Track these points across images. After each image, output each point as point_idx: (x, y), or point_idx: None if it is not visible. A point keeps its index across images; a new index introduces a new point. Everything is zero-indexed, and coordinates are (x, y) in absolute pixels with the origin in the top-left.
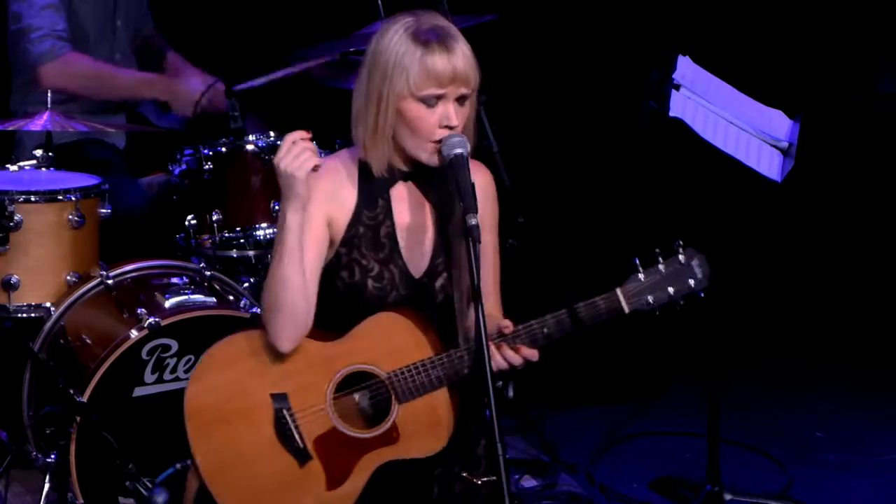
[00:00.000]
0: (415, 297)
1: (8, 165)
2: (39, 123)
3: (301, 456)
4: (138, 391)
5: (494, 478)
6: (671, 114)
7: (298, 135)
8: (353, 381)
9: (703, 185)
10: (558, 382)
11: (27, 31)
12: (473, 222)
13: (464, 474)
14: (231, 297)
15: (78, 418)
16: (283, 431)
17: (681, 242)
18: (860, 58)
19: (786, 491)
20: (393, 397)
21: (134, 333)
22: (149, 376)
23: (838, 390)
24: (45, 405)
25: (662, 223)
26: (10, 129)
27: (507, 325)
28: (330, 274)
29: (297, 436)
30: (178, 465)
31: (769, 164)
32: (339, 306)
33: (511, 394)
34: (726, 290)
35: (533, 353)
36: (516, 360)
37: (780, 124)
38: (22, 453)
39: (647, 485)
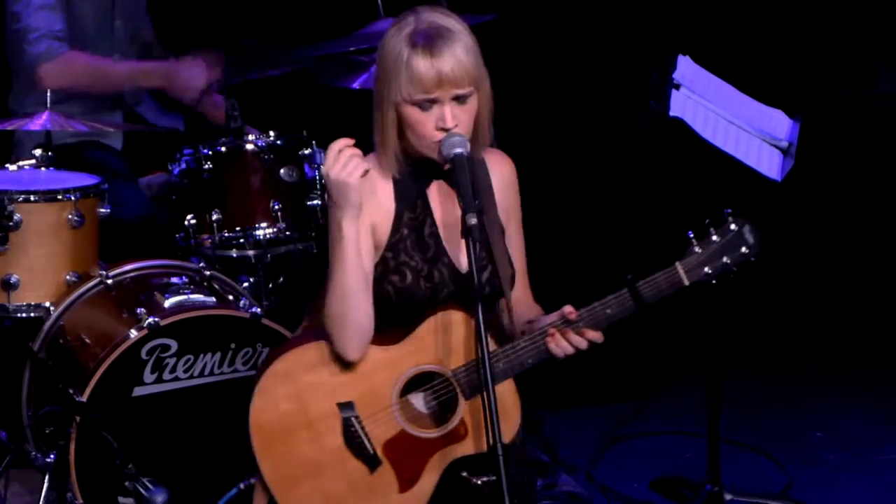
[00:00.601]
0: (465, 293)
1: (7, 165)
2: (39, 123)
3: (372, 462)
4: (138, 391)
5: (494, 478)
6: (671, 113)
7: (344, 142)
8: (416, 383)
9: (702, 184)
10: (558, 382)
11: (25, 31)
12: (473, 222)
13: (464, 474)
14: (231, 297)
15: (77, 418)
16: (353, 439)
17: (729, 211)
18: (860, 57)
19: (786, 491)
20: (459, 394)
21: (133, 333)
22: (148, 376)
23: (838, 390)
24: (44, 405)
25: (662, 223)
26: (10, 128)
27: (570, 310)
28: (379, 279)
29: (367, 442)
30: (241, 486)
31: (769, 164)
32: (391, 310)
33: None
34: (726, 290)
35: (598, 336)
36: (582, 343)
37: (780, 124)
38: (21, 453)
39: (647, 485)
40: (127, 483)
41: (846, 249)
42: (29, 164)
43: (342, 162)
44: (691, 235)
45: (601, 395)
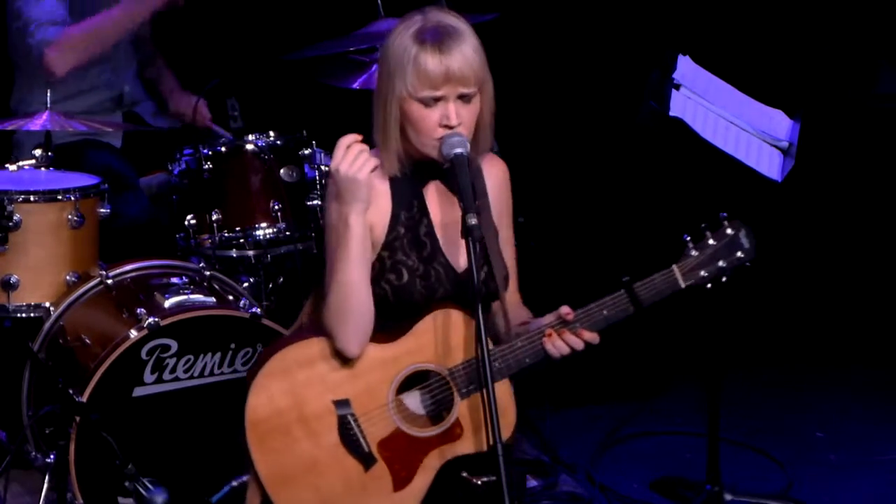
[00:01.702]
0: (460, 292)
1: (7, 165)
2: (39, 123)
3: (366, 460)
4: (138, 391)
5: (494, 478)
6: (671, 113)
7: (351, 138)
8: (412, 382)
9: (702, 184)
10: (558, 382)
11: (26, 25)
12: (473, 222)
13: (464, 474)
14: (230, 297)
15: (77, 418)
16: (348, 437)
17: (725, 215)
18: (860, 58)
19: (786, 491)
20: (455, 393)
21: (133, 333)
22: (148, 376)
23: (838, 390)
24: (44, 405)
25: (662, 225)
26: (10, 128)
27: (568, 311)
28: (375, 278)
29: (362, 440)
30: (234, 483)
31: (769, 164)
32: (388, 309)
33: None
34: (726, 291)
35: (594, 337)
36: (578, 344)
37: (780, 124)
38: (21, 453)
39: (647, 485)
40: (127, 483)
41: (846, 249)
42: (29, 165)
43: (351, 158)
44: (688, 239)
45: (601, 396)
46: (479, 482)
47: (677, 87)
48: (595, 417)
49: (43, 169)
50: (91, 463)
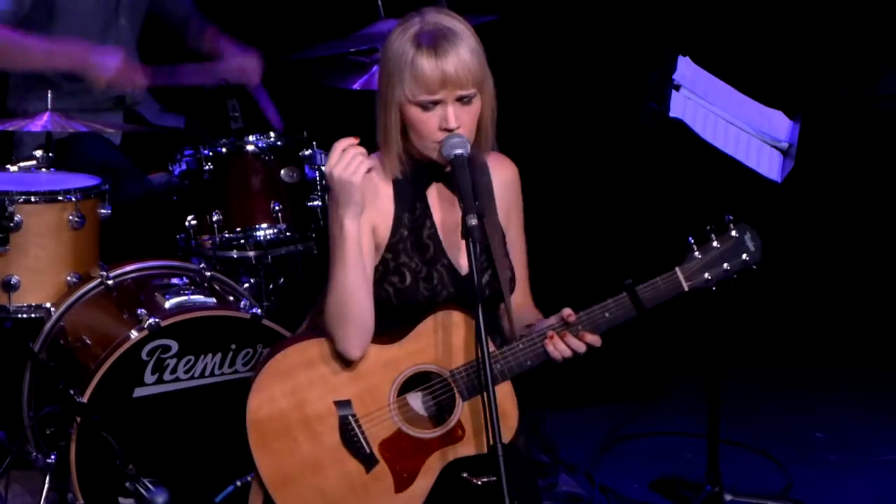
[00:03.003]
0: (464, 294)
1: (8, 166)
2: (39, 124)
3: (368, 461)
4: (138, 392)
5: (494, 478)
6: (671, 114)
7: (347, 142)
8: (414, 383)
9: (703, 186)
10: (558, 382)
11: None
12: (473, 223)
13: (464, 474)
14: (231, 298)
15: (78, 419)
16: (349, 438)
17: (731, 217)
18: (860, 58)
19: (786, 491)
20: (456, 395)
21: (134, 334)
22: (149, 377)
23: (838, 390)
24: (45, 406)
25: (664, 226)
26: (10, 129)
27: (569, 313)
28: (379, 280)
29: (363, 441)
30: (238, 483)
31: (769, 165)
32: (391, 311)
33: None
34: (726, 291)
35: (596, 339)
36: (580, 347)
37: (780, 125)
38: (22, 454)
39: (647, 485)
40: (127, 484)
41: (846, 250)
42: (30, 165)
43: (346, 161)
44: (692, 241)
45: (601, 396)
46: (480, 482)
47: (677, 88)
48: (595, 417)
49: (44, 170)
50: (92, 463)
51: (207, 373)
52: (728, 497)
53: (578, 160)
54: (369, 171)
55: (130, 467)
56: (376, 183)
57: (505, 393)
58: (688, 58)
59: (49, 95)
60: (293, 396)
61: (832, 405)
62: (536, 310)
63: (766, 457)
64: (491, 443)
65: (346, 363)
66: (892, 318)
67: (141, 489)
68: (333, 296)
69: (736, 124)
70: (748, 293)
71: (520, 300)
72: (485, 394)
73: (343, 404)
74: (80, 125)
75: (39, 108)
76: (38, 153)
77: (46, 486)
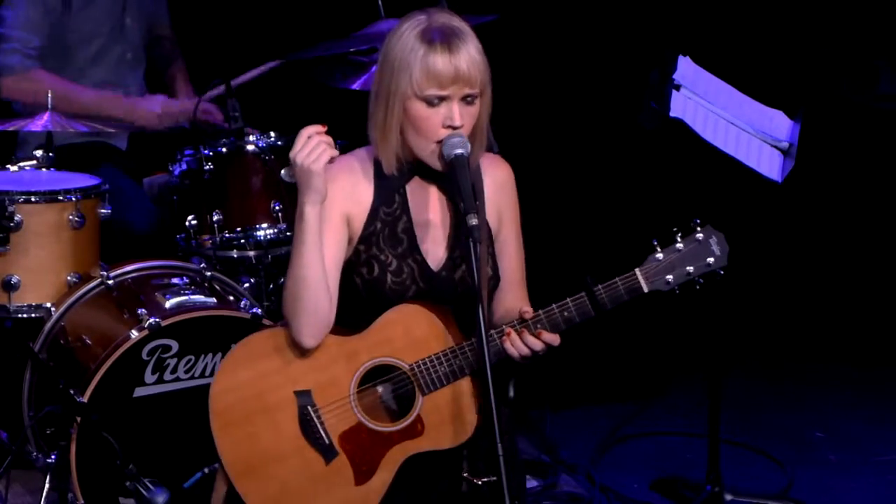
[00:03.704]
0: (435, 290)
1: (8, 166)
2: (40, 124)
3: (327, 452)
4: (139, 391)
5: (495, 478)
6: (672, 114)
7: (313, 129)
8: (375, 375)
9: (703, 184)
10: (559, 382)
11: (1, 39)
12: (473, 222)
13: (464, 474)
14: (231, 298)
15: (78, 419)
16: (309, 428)
17: (698, 221)
18: (860, 58)
19: (786, 491)
20: (416, 389)
21: (134, 334)
22: (149, 377)
23: (838, 390)
24: (45, 405)
25: (662, 222)
26: (11, 129)
27: (528, 310)
28: (349, 271)
29: (322, 432)
30: (205, 470)
31: (769, 165)
32: (360, 303)
33: (511, 393)
34: (727, 290)
35: (554, 338)
36: (537, 345)
37: (780, 124)
38: (22, 454)
39: (647, 485)
40: (128, 483)
41: (846, 249)
42: (30, 165)
43: (309, 148)
44: (655, 243)
45: (602, 396)
46: (480, 482)
47: (677, 87)
48: (595, 417)
49: (44, 169)
50: (92, 463)
51: (208, 372)
52: (728, 497)
53: (578, 160)
54: (332, 160)
55: (130, 467)
56: (358, 175)
57: (465, 390)
58: (688, 58)
59: (50, 96)
60: (255, 385)
61: (832, 405)
62: (527, 306)
63: (766, 457)
64: (454, 439)
65: (308, 353)
66: (893, 317)
67: (141, 489)
68: (289, 282)
69: (736, 124)
70: (748, 293)
71: (510, 302)
72: (483, 391)
73: (303, 394)
74: (81, 125)
75: (40, 109)
76: (39, 153)
77: (47, 485)
